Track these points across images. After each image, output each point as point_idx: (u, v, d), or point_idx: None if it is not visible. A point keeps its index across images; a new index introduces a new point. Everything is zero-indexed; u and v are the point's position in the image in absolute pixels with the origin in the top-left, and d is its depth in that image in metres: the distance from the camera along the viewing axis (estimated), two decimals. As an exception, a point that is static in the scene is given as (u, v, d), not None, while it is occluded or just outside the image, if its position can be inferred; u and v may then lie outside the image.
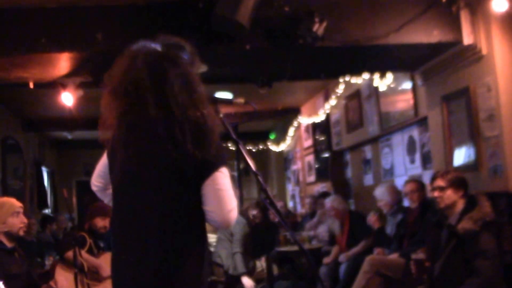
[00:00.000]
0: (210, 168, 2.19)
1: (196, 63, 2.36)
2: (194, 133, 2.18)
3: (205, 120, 2.21)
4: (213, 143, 2.19)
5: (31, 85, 5.48)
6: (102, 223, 5.28)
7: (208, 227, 2.25)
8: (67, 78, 5.32)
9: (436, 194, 4.44)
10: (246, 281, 6.92)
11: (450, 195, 4.40)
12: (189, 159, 2.16)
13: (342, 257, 6.78)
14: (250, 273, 7.06)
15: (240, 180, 12.50)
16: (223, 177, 2.20)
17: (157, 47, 2.29)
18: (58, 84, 5.49)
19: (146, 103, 2.20)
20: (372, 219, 6.35)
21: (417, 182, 5.79)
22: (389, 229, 6.14)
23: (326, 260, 7.08)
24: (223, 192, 2.19)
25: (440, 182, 4.44)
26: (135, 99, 2.23)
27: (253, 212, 7.33)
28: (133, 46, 2.33)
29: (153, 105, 2.20)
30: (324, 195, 8.14)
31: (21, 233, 4.22)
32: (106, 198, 2.54)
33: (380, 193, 6.23)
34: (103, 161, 2.45)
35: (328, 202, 7.27)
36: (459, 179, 4.46)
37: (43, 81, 5.44)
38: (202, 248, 2.25)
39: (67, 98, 5.75)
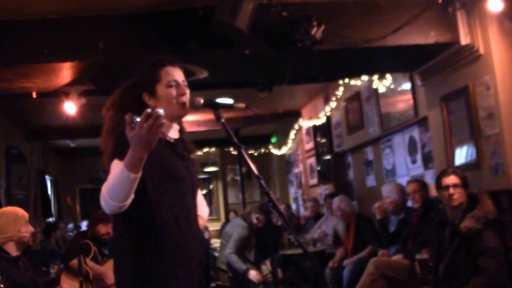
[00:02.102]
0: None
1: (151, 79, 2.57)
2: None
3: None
4: (107, 148, 2.46)
5: (34, 95, 5.52)
6: (104, 229, 5.31)
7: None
8: (70, 87, 5.36)
9: (451, 191, 4.44)
10: (253, 274, 6.86)
11: (462, 193, 4.43)
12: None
13: (346, 262, 6.78)
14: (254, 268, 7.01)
15: (243, 184, 12.53)
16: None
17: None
18: (60, 93, 5.52)
19: None
20: (380, 208, 6.15)
21: (419, 182, 5.80)
22: (392, 230, 6.14)
23: (332, 264, 7.08)
24: None
25: (455, 179, 4.45)
26: None
27: (256, 215, 7.26)
28: None
29: None
30: (332, 195, 8.07)
31: (30, 241, 4.28)
32: None
33: (388, 190, 6.20)
34: None
35: (336, 202, 7.25)
36: (466, 178, 4.51)
37: (46, 90, 5.46)
38: (124, 243, 2.51)
39: (70, 107, 5.77)
